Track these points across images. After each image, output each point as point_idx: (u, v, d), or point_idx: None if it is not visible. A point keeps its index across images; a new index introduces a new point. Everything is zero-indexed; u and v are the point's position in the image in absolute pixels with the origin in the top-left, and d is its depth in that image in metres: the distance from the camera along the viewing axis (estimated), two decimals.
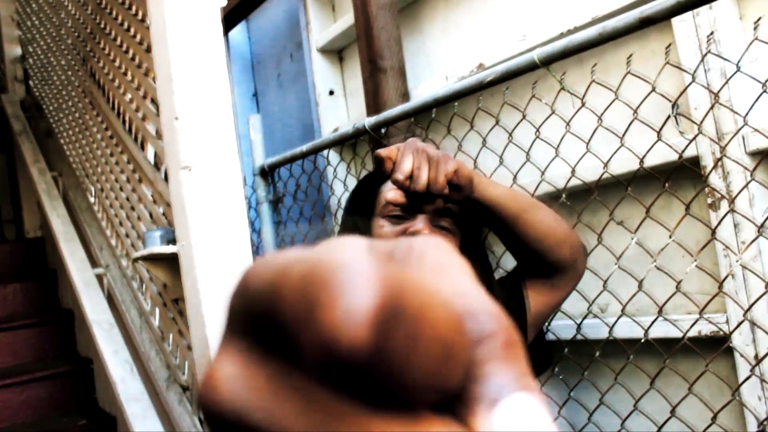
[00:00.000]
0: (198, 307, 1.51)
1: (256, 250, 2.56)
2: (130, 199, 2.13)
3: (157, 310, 2.04)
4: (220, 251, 1.51)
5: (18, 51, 3.81)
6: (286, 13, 2.54)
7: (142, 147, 2.03)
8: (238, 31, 2.82)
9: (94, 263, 2.39)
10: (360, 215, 1.36)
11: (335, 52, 2.42)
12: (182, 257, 1.54)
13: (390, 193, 1.28)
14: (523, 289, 1.38)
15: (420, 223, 1.27)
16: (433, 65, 2.09)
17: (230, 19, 2.80)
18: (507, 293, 1.39)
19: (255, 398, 0.19)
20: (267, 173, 2.36)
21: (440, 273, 0.21)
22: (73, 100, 2.68)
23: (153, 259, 1.68)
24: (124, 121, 2.14)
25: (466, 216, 1.34)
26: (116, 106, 2.19)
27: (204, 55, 1.50)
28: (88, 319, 2.06)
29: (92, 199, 2.43)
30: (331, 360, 0.18)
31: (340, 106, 2.39)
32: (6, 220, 3.94)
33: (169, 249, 1.57)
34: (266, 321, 0.19)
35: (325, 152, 2.21)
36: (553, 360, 1.63)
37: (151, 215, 1.98)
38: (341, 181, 2.18)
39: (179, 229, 1.55)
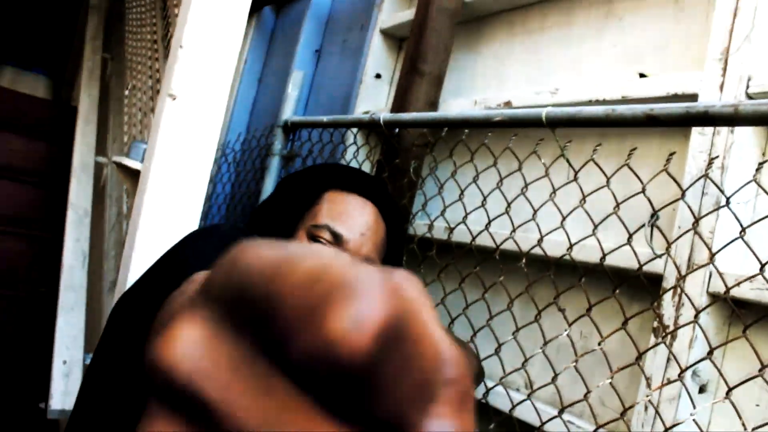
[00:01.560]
0: (135, 229, 1.52)
1: (255, 195, 2.56)
2: (146, 106, 2.16)
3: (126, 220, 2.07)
4: (173, 184, 1.51)
5: None
6: None
7: None
8: None
9: (104, 151, 2.45)
10: (287, 213, 1.21)
11: (397, 38, 2.38)
12: (141, 176, 1.56)
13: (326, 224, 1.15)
14: None
15: None
16: (474, 86, 2.03)
17: None
18: None
19: (212, 369, 0.18)
20: (289, 129, 2.36)
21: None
22: None
23: (125, 168, 1.70)
24: (166, 32, 2.16)
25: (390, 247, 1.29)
26: (166, 15, 2.21)
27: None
28: (69, 201, 2.11)
29: (125, 93, 2.48)
30: (323, 361, 0.17)
31: (381, 91, 2.35)
32: (68, 83, 4.06)
33: (134, 163, 1.59)
34: (255, 304, 0.18)
35: (343, 129, 2.19)
36: None
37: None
38: (346, 161, 2.15)
39: (148, 151, 1.56)
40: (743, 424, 1.09)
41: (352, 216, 1.16)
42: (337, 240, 1.12)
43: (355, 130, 2.17)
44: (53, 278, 2.69)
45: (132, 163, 1.61)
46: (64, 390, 1.73)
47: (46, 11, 4.58)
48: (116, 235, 2.18)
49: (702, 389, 1.26)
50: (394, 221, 1.26)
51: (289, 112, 2.35)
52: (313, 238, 1.14)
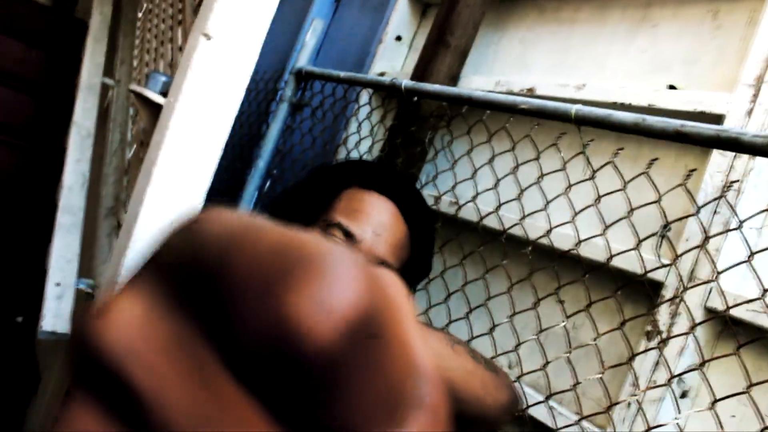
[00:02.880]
0: (152, 163, 1.52)
1: (258, 139, 2.56)
2: (165, 33, 2.12)
3: (134, 145, 2.06)
4: (197, 125, 1.51)
5: None
6: None
7: None
8: None
9: (110, 72, 2.41)
10: (306, 207, 1.18)
11: (422, 3, 2.37)
12: (164, 111, 1.55)
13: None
14: None
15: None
16: (496, 65, 2.04)
17: None
18: None
19: (145, 351, 0.16)
20: (302, 78, 2.34)
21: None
22: None
23: (144, 99, 1.68)
24: None
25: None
26: None
27: None
28: (73, 120, 2.08)
29: (139, 14, 2.43)
30: (275, 349, 0.15)
31: (400, 54, 2.35)
32: None
33: (158, 98, 1.57)
34: (205, 277, 0.16)
35: (358, 88, 2.18)
36: None
37: (171, 59, 1.98)
38: (358, 121, 2.16)
39: (174, 86, 1.55)
40: None
41: (368, 214, 1.09)
42: (349, 239, 1.05)
43: (370, 90, 2.17)
44: (37, 193, 2.66)
45: (153, 96, 1.59)
46: (55, 312, 1.74)
47: None
48: (117, 160, 2.16)
49: (684, 394, 1.33)
50: (419, 224, 1.17)
51: (304, 61, 2.34)
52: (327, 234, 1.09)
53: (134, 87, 1.72)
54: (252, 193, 2.38)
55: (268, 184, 2.45)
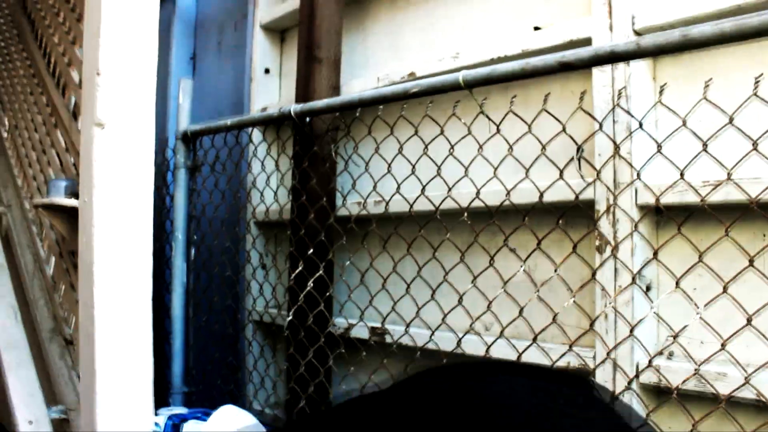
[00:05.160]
0: (90, 264, 1.50)
1: (167, 214, 2.54)
2: (43, 142, 2.08)
3: (53, 260, 2.00)
4: (120, 213, 1.50)
5: None
6: None
7: (64, 93, 1.98)
8: None
9: None
10: None
11: (278, 31, 2.42)
12: (82, 212, 1.53)
13: None
14: None
15: None
16: (369, 63, 2.12)
17: None
18: None
19: None
20: (189, 139, 2.34)
21: None
22: (2, 28, 2.59)
23: (54, 208, 1.66)
24: (49, 63, 2.09)
25: None
26: (44, 46, 2.13)
27: (135, 18, 1.48)
28: None
29: (5, 134, 2.36)
30: None
31: (273, 86, 2.39)
32: None
33: (70, 202, 1.56)
34: None
35: (249, 129, 2.21)
36: None
37: (61, 163, 1.94)
38: (260, 160, 2.19)
39: (83, 184, 1.53)
40: (695, 305, 1.28)
41: None
42: None
43: (261, 128, 2.20)
44: None
45: (64, 201, 1.57)
46: None
47: None
48: (39, 281, 2.10)
49: (648, 288, 1.45)
50: None
51: (185, 122, 2.34)
52: None
53: (38, 200, 1.69)
54: (181, 266, 2.36)
55: (193, 252, 2.44)
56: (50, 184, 1.72)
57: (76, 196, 1.75)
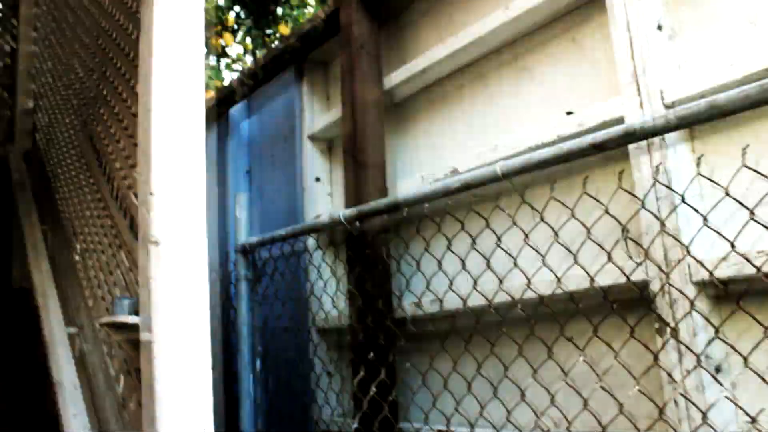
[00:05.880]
0: (151, 381, 1.53)
1: (233, 326, 2.58)
2: (110, 263, 2.17)
3: (122, 378, 2.05)
4: (179, 328, 1.54)
5: (30, 104, 3.91)
6: (284, 96, 2.65)
7: (125, 214, 2.09)
8: (239, 109, 2.93)
9: (70, 321, 2.42)
10: None
11: (325, 140, 2.51)
12: (142, 329, 1.58)
13: None
14: None
15: None
16: (413, 164, 2.17)
17: (232, 96, 2.91)
18: None
19: None
20: (248, 251, 2.41)
21: None
22: (72, 159, 2.77)
23: (118, 326, 1.71)
24: (112, 187, 2.21)
25: None
26: (107, 172, 2.26)
27: (184, 141, 1.57)
28: (53, 379, 2.08)
29: (76, 258, 2.49)
30: None
31: (325, 193, 2.46)
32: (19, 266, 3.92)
33: (131, 319, 1.61)
34: None
35: (303, 237, 2.27)
36: None
37: (125, 282, 2.02)
38: (315, 267, 2.23)
39: (142, 301, 1.59)
40: None
41: None
42: None
43: (314, 235, 2.25)
44: None
45: (126, 318, 1.63)
46: None
47: None
48: (110, 399, 2.14)
49: (718, 369, 1.37)
50: None
51: (243, 235, 2.41)
52: None
53: (103, 319, 1.75)
54: (248, 378, 2.37)
55: (258, 363, 2.46)
56: (115, 303, 1.78)
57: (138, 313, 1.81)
